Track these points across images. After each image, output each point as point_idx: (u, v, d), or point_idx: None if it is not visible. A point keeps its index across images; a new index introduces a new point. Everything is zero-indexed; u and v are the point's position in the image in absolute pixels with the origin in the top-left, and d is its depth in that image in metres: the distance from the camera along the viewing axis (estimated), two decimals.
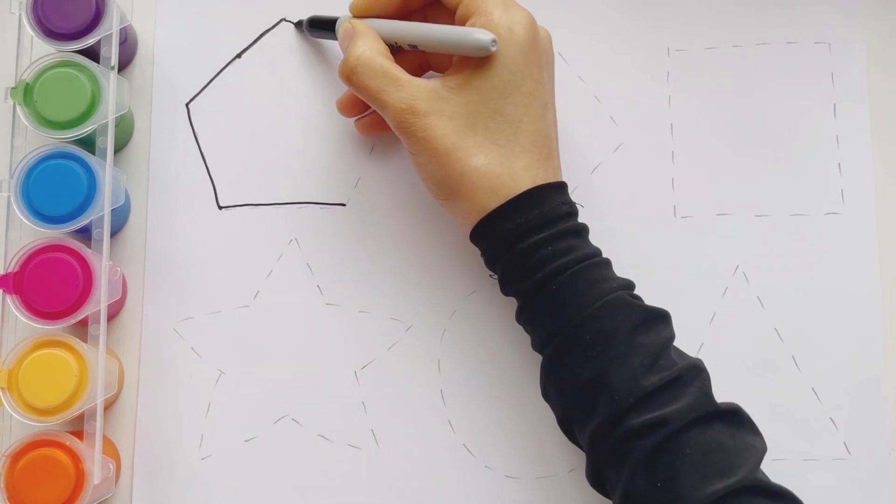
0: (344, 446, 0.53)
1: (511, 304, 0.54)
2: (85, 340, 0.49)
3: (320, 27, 0.54)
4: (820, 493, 0.52)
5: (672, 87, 0.56)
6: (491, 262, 0.48)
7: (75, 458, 0.48)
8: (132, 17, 0.52)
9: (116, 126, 0.51)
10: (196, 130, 0.55)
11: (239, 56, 0.56)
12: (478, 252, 0.54)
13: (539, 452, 0.53)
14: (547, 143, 0.48)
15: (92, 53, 0.50)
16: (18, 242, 0.49)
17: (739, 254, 0.54)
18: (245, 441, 0.53)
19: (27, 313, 0.48)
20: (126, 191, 0.53)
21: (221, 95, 0.56)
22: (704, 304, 0.54)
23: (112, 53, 0.50)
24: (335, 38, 0.52)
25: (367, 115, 0.54)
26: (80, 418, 0.49)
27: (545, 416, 0.53)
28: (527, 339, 0.53)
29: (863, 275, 0.54)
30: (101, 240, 0.49)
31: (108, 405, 0.53)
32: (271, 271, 0.54)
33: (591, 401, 0.45)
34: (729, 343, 0.53)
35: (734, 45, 0.56)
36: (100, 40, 0.50)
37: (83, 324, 0.49)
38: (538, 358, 0.53)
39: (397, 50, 0.49)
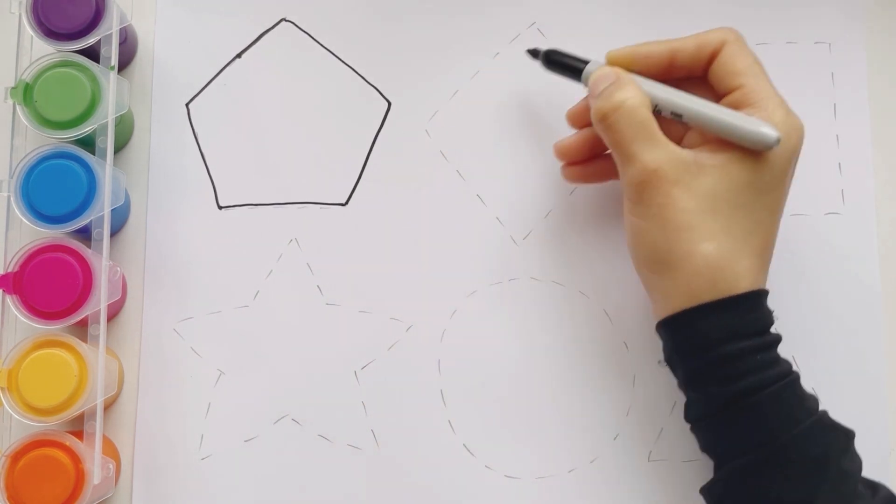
0: (344, 446, 0.53)
1: (511, 304, 0.54)
2: (85, 340, 0.49)
3: (561, 65, 0.50)
4: None
5: None
6: (680, 354, 0.46)
7: (75, 458, 0.48)
8: (132, 17, 0.52)
9: (116, 126, 0.51)
10: (196, 130, 0.55)
11: (239, 56, 0.56)
12: (478, 252, 0.54)
13: (539, 452, 0.53)
14: (770, 251, 0.47)
15: (92, 53, 0.50)
16: (18, 242, 0.49)
17: None
18: (245, 441, 0.53)
19: (27, 313, 0.48)
20: (126, 191, 0.53)
21: (221, 95, 0.56)
22: None
23: (112, 53, 0.50)
24: (574, 79, 0.50)
25: (581, 162, 0.51)
26: (80, 418, 0.49)
27: (545, 416, 0.53)
28: (526, 339, 0.53)
29: (863, 275, 0.54)
30: (101, 240, 0.49)
31: (108, 405, 0.53)
32: (271, 271, 0.54)
33: None
34: None
35: None
36: (100, 40, 0.50)
37: (83, 324, 0.49)
38: (538, 357, 0.53)
39: (654, 113, 0.47)
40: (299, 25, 0.56)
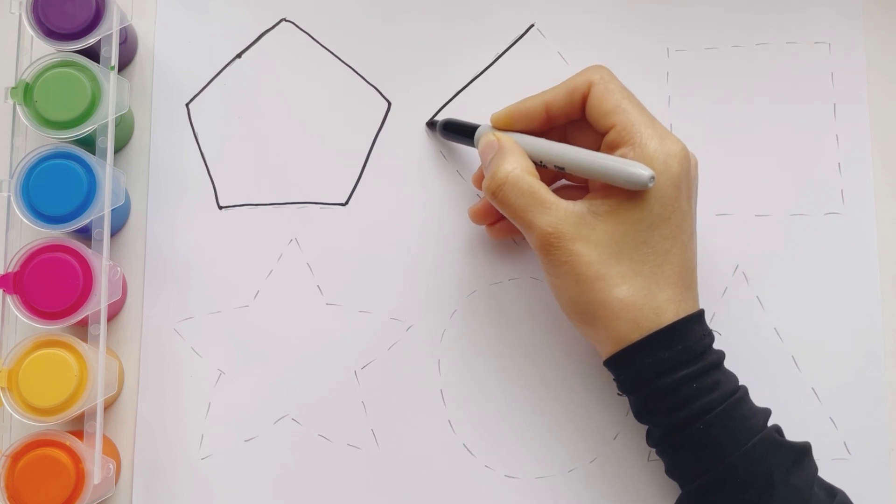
0: (344, 446, 0.53)
1: (511, 304, 0.54)
2: (85, 340, 0.49)
3: (455, 132, 0.53)
4: None
5: (672, 87, 0.56)
6: (626, 390, 0.48)
7: (75, 458, 0.48)
8: (132, 17, 0.52)
9: (116, 126, 0.51)
10: (196, 130, 0.55)
11: (239, 56, 0.56)
12: (478, 252, 0.54)
13: (539, 452, 0.53)
14: (690, 274, 0.47)
15: (92, 53, 0.50)
16: (18, 242, 0.49)
17: (739, 254, 0.54)
18: (245, 441, 0.53)
19: (27, 313, 0.48)
20: (126, 191, 0.53)
21: (221, 95, 0.56)
22: (704, 303, 0.53)
23: (112, 53, 0.50)
24: (469, 144, 0.52)
25: (500, 221, 0.52)
26: (80, 418, 0.49)
27: (545, 416, 0.53)
28: (526, 339, 0.53)
29: (863, 275, 0.54)
30: (101, 240, 0.49)
31: (108, 405, 0.53)
32: (271, 271, 0.54)
33: None
34: (728, 343, 0.53)
35: (734, 45, 0.56)
36: (100, 40, 0.50)
37: (83, 324, 0.49)
38: (538, 357, 0.54)
39: (539, 166, 0.48)
40: (299, 25, 0.56)
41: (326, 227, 0.55)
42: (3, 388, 0.47)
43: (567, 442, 0.53)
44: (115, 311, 0.53)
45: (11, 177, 0.49)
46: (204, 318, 0.54)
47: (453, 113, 0.55)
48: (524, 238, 0.50)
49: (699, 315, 0.47)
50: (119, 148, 0.55)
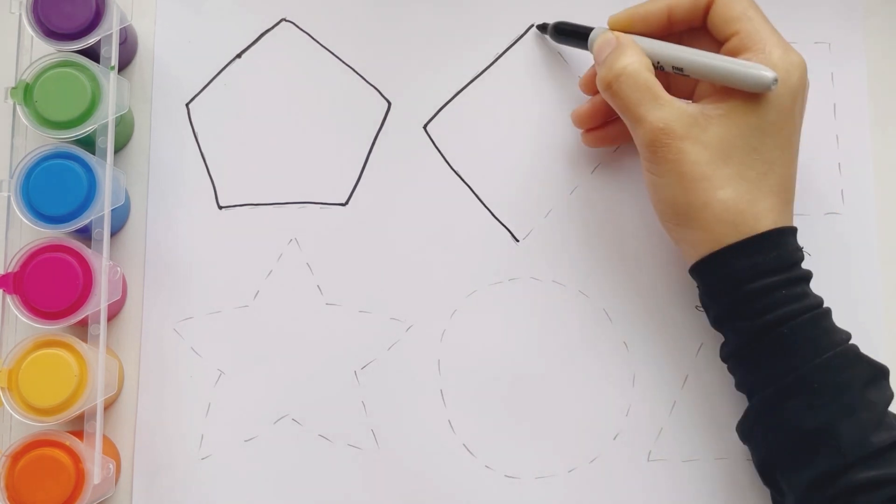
0: (344, 446, 0.53)
1: (511, 304, 0.54)
2: (85, 340, 0.49)
3: (568, 34, 0.53)
4: None
5: None
6: (711, 295, 0.48)
7: (75, 458, 0.48)
8: (132, 17, 0.52)
9: (116, 126, 0.51)
10: (196, 130, 0.55)
11: (239, 56, 0.56)
12: (478, 252, 0.54)
13: (539, 452, 0.53)
14: (791, 188, 0.48)
15: (92, 53, 0.50)
16: (18, 242, 0.49)
17: None
18: (245, 441, 0.53)
19: (27, 313, 0.48)
20: (126, 191, 0.53)
21: (221, 95, 0.56)
22: None
23: (112, 53, 0.50)
24: (582, 47, 0.52)
25: (599, 127, 0.53)
26: (80, 418, 0.49)
27: (545, 416, 0.53)
28: (527, 339, 0.53)
29: (863, 275, 0.54)
30: (101, 240, 0.49)
31: (108, 405, 0.53)
32: (271, 271, 0.54)
33: (811, 450, 0.44)
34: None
35: None
36: (100, 40, 0.50)
37: (83, 324, 0.49)
38: (538, 357, 0.53)
39: (656, 68, 0.48)
40: (299, 25, 0.56)
41: (326, 227, 0.55)
42: (3, 388, 0.47)
43: (567, 442, 0.53)
44: (115, 311, 0.53)
45: (11, 177, 0.49)
46: (204, 318, 0.54)
47: (453, 113, 0.55)
48: (622, 143, 0.50)
49: (795, 230, 0.47)
50: (119, 148, 0.55)
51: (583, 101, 0.53)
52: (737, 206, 0.46)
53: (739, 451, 0.52)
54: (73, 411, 0.48)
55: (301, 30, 0.56)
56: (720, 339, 0.49)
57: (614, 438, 0.53)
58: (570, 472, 0.53)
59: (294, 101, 0.56)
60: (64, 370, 0.48)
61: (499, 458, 0.53)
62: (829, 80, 0.56)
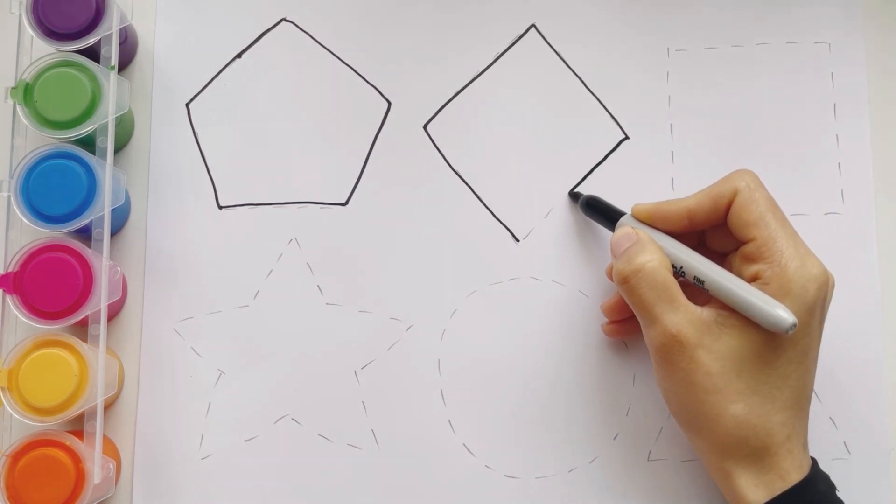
0: (344, 446, 0.53)
1: (511, 304, 0.54)
2: (85, 340, 0.49)
3: (597, 210, 0.52)
4: None
5: (672, 87, 0.56)
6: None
7: (75, 457, 0.48)
8: (132, 17, 0.52)
9: (116, 126, 0.51)
10: (196, 130, 0.55)
11: (239, 56, 0.56)
12: (478, 252, 0.54)
13: (539, 452, 0.53)
14: (806, 397, 0.46)
15: (92, 53, 0.50)
16: (18, 242, 0.49)
17: None
18: (245, 441, 0.53)
19: (27, 313, 0.48)
20: (126, 191, 0.53)
21: (221, 95, 0.56)
22: None
23: (112, 53, 0.50)
24: (606, 226, 0.51)
25: (623, 322, 0.52)
26: (80, 418, 0.49)
27: (545, 416, 0.53)
28: (526, 339, 0.53)
29: (863, 275, 0.54)
30: (101, 240, 0.49)
31: (108, 405, 0.53)
32: (271, 271, 0.54)
33: None
34: None
35: (734, 45, 0.56)
36: (100, 40, 0.50)
37: (83, 324, 0.49)
38: (538, 357, 0.54)
39: (678, 275, 0.47)
40: (299, 25, 0.56)
41: (326, 227, 0.55)
42: (3, 388, 0.47)
43: (567, 442, 0.53)
44: (115, 311, 0.53)
45: (11, 177, 0.49)
46: (204, 318, 0.54)
47: (453, 113, 0.55)
48: (634, 338, 0.50)
49: (816, 465, 0.46)
50: (119, 148, 0.55)
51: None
52: (748, 420, 0.45)
53: None
54: (73, 411, 0.48)
55: (301, 30, 0.56)
56: None
57: (614, 438, 0.53)
58: (570, 472, 0.53)
59: (294, 100, 0.56)
60: (64, 370, 0.48)
61: (499, 457, 0.53)
62: (829, 80, 0.56)
